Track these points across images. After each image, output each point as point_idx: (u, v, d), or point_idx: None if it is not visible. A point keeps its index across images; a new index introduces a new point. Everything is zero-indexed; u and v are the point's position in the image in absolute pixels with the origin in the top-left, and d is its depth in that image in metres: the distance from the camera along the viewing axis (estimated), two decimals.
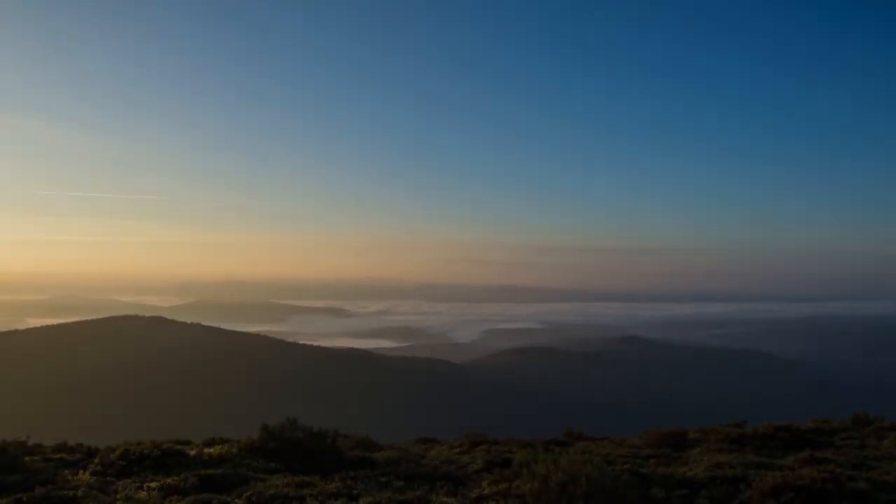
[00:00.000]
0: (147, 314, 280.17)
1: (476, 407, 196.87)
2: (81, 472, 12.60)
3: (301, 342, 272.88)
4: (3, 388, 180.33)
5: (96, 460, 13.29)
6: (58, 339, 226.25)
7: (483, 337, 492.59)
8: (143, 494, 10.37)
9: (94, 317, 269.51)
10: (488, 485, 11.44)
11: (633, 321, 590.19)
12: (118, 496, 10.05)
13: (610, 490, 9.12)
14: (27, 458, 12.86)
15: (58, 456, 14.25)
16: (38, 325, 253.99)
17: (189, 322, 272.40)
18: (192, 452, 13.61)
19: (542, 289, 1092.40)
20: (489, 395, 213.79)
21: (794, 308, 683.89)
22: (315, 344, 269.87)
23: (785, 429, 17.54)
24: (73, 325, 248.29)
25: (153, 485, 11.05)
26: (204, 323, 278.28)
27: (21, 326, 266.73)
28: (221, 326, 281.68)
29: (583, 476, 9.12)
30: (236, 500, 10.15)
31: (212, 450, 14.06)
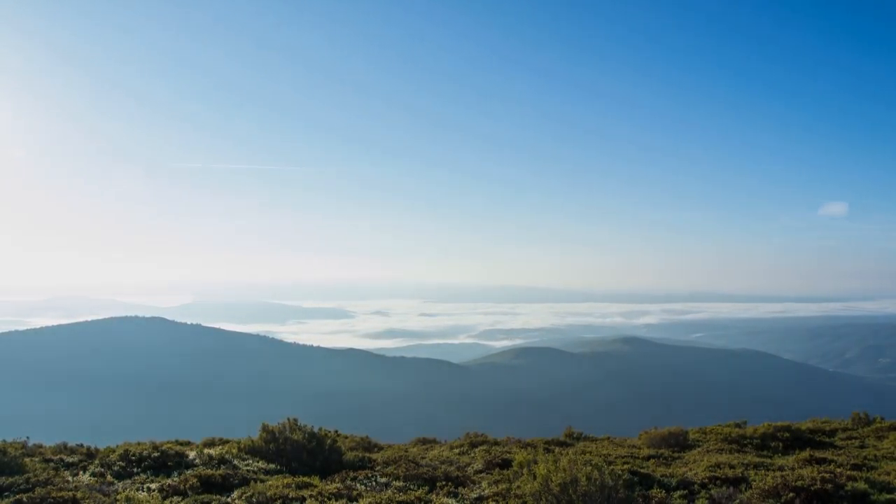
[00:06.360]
0: (147, 314, 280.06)
1: (476, 407, 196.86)
2: (81, 473, 12.61)
3: (301, 342, 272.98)
4: (3, 388, 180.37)
5: (96, 461, 13.29)
6: (58, 338, 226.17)
7: (483, 337, 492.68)
8: (143, 495, 10.37)
9: (94, 317, 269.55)
10: (488, 485, 11.45)
11: (633, 321, 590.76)
12: (118, 497, 10.05)
13: (610, 490, 9.13)
14: (27, 459, 12.86)
15: (58, 457, 14.23)
16: (39, 326, 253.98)
17: (189, 322, 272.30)
18: (192, 453, 13.61)
19: (543, 289, 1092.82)
20: (489, 395, 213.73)
21: (793, 308, 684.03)
22: (315, 344, 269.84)
23: (785, 429, 17.54)
24: (74, 325, 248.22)
25: (153, 486, 11.06)
26: (204, 323, 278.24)
27: (21, 327, 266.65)
28: (221, 326, 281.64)
29: (583, 477, 9.13)
30: (236, 501, 10.15)
31: (212, 450, 14.06)
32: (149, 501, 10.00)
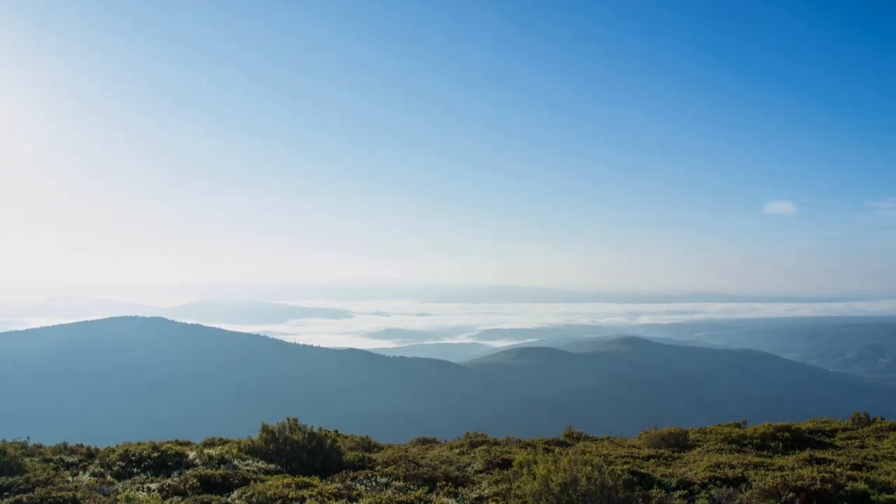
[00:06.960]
0: (147, 314, 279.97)
1: (476, 407, 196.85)
2: (81, 473, 12.61)
3: (301, 342, 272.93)
4: (3, 388, 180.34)
5: (96, 461, 13.29)
6: (58, 339, 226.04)
7: (483, 337, 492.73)
8: (143, 495, 10.38)
9: (94, 317, 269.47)
10: (488, 485, 11.45)
11: (633, 321, 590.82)
12: (118, 497, 10.04)
13: (610, 490, 9.13)
14: (27, 459, 12.86)
15: (58, 457, 14.24)
16: (38, 326, 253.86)
17: (189, 322, 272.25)
18: (192, 453, 13.61)
19: (543, 288, 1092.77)
20: (489, 395, 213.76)
21: (792, 308, 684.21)
22: (315, 344, 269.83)
23: (785, 429, 17.53)
24: (74, 325, 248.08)
25: (153, 486, 11.06)
26: (204, 323, 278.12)
27: (20, 327, 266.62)
28: (221, 326, 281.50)
29: (583, 477, 9.13)
30: (236, 501, 10.16)
31: (212, 450, 14.05)
32: (149, 501, 10.00)
